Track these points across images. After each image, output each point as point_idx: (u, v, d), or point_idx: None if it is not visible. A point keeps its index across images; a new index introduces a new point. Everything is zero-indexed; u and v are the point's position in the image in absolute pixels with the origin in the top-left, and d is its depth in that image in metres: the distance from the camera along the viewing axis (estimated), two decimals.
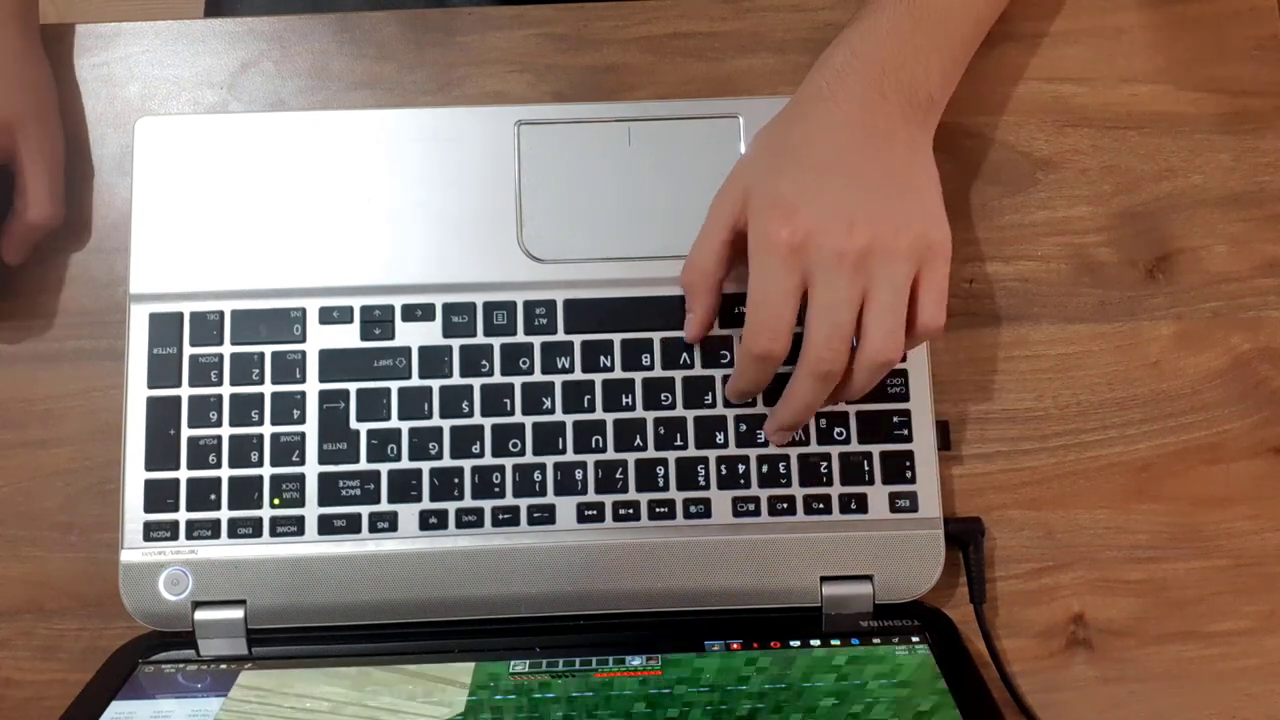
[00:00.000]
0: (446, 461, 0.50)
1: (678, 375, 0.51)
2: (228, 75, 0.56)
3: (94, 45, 0.56)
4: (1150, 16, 0.57)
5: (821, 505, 0.50)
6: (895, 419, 0.51)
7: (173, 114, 0.55)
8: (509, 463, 0.50)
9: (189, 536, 0.49)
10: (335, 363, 0.51)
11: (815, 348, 0.45)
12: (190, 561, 0.49)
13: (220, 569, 0.49)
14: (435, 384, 0.50)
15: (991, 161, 0.56)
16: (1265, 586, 0.52)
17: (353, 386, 0.50)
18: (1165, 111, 0.56)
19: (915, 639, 0.49)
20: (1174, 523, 0.53)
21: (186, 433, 0.50)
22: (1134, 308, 0.54)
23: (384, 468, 0.50)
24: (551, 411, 0.50)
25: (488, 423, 0.50)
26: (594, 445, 0.50)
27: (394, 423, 0.50)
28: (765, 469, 0.50)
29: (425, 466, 0.50)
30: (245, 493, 0.50)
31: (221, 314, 0.51)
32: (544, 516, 0.50)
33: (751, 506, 0.50)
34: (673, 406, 0.51)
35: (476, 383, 0.50)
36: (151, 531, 0.49)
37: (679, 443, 0.50)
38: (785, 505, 0.50)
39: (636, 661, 0.47)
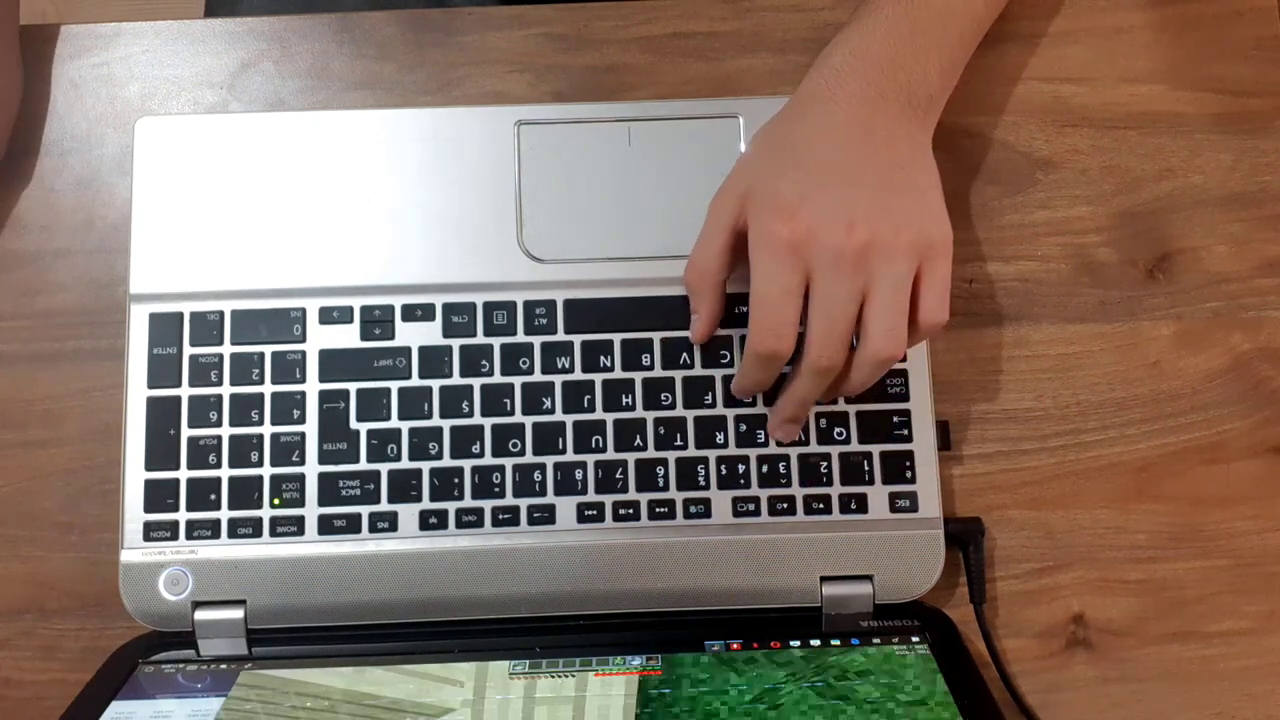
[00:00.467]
0: (446, 461, 0.50)
1: (678, 375, 0.51)
2: (228, 75, 0.56)
3: (94, 45, 0.56)
4: (1150, 16, 0.57)
5: (821, 505, 0.50)
6: (895, 419, 0.51)
7: (173, 114, 0.55)
8: (509, 463, 0.50)
9: (189, 536, 0.49)
10: (335, 363, 0.51)
11: (815, 345, 0.46)
12: (190, 561, 0.49)
13: (220, 569, 0.49)
14: (435, 384, 0.50)
15: (991, 161, 0.56)
16: (1265, 586, 0.52)
17: (353, 386, 0.50)
18: (1165, 111, 0.56)
19: (915, 639, 0.49)
20: (1174, 523, 0.53)
21: (186, 433, 0.50)
22: (1134, 308, 0.54)
23: (384, 468, 0.50)
24: (551, 411, 0.50)
25: (488, 423, 0.50)
26: (594, 445, 0.50)
27: (394, 423, 0.50)
28: (765, 469, 0.50)
29: (425, 466, 0.50)
30: (245, 493, 0.50)
31: (221, 314, 0.51)
32: (544, 516, 0.50)
33: (751, 506, 0.50)
34: (673, 406, 0.51)
35: (476, 383, 0.50)
36: (151, 531, 0.49)
37: (679, 443, 0.50)
38: (785, 505, 0.50)
39: (636, 661, 0.47)
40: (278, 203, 0.52)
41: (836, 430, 0.51)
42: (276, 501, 0.50)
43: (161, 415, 0.50)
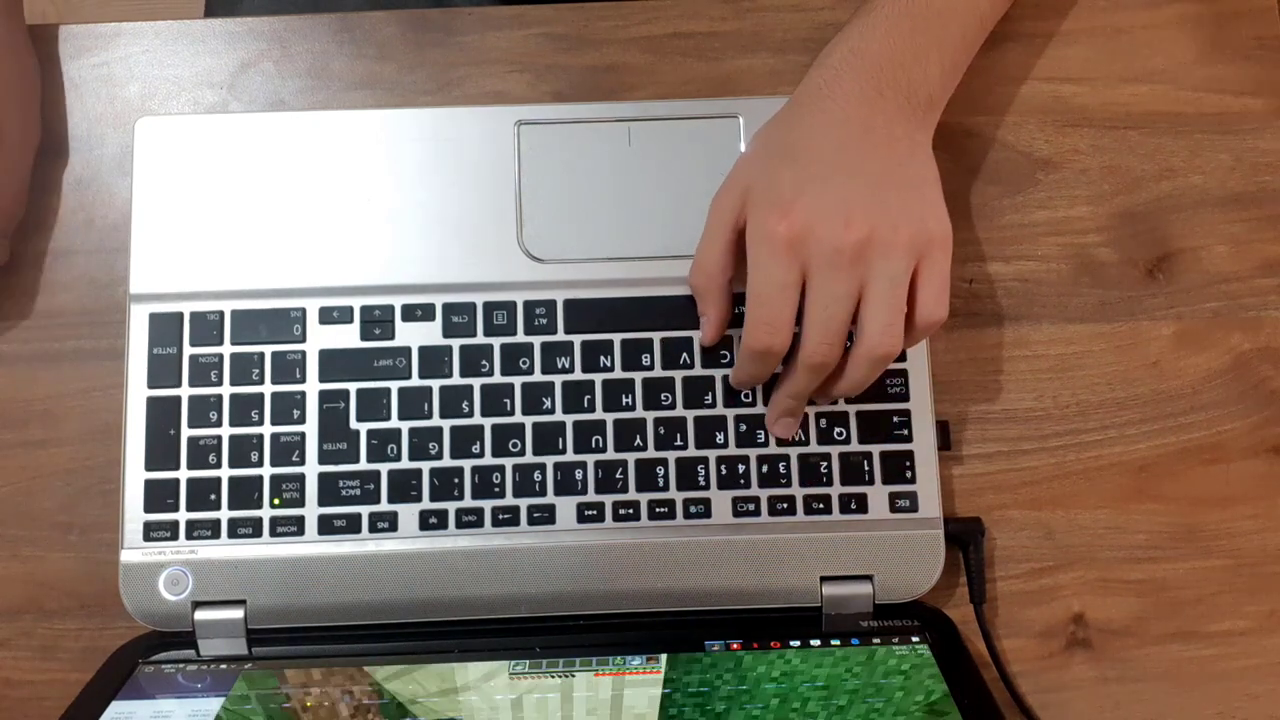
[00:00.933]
0: (446, 461, 0.50)
1: (678, 375, 0.51)
2: (228, 75, 0.56)
3: (94, 45, 0.56)
4: (1150, 16, 0.57)
5: (821, 505, 0.50)
6: (895, 419, 0.51)
7: (173, 114, 0.55)
8: (509, 463, 0.50)
9: (189, 536, 0.49)
10: (335, 363, 0.51)
11: (810, 340, 0.46)
12: (190, 561, 0.49)
13: (220, 569, 0.49)
14: (435, 384, 0.50)
15: (991, 161, 0.56)
16: (1265, 586, 0.52)
17: (353, 386, 0.50)
18: (1165, 111, 0.56)
19: (915, 639, 0.49)
20: (1174, 523, 0.53)
21: (186, 433, 0.50)
22: (1134, 308, 0.54)
23: (384, 468, 0.50)
24: (551, 411, 0.50)
25: (488, 423, 0.50)
26: (594, 445, 0.50)
27: (394, 423, 0.50)
28: (765, 469, 0.50)
29: (425, 466, 0.50)
30: (245, 493, 0.50)
31: (221, 314, 0.51)
32: (544, 516, 0.50)
33: (751, 506, 0.50)
34: (673, 406, 0.51)
35: (476, 383, 0.50)
36: (151, 531, 0.49)
37: (679, 443, 0.50)
38: (785, 505, 0.50)
39: (636, 661, 0.47)
40: (278, 203, 0.52)
41: (836, 430, 0.51)
42: (276, 501, 0.50)
43: (161, 415, 0.50)
